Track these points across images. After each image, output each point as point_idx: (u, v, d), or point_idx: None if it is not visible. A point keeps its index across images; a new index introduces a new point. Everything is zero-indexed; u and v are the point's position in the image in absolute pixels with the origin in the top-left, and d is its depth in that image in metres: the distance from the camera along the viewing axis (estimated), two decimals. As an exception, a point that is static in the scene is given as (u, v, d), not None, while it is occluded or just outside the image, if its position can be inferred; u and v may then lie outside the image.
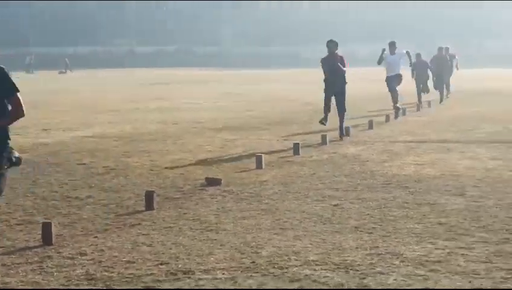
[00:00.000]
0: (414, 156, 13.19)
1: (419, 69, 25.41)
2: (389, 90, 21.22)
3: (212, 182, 10.63)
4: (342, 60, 16.36)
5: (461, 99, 27.65)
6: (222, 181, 10.65)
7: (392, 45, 21.35)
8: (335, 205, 9.03)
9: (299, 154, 13.54)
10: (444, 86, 27.77)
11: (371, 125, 18.02)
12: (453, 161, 12.52)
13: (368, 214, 8.52)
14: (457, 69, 30.19)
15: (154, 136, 17.14)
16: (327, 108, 16.52)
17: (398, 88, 21.03)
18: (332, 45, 16.35)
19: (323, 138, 15.23)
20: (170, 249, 7.11)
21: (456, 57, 30.53)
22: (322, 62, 16.49)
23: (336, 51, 16.34)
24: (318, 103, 25.73)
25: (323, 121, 16.61)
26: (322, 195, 9.69)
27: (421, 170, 11.55)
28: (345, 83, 16.25)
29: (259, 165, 12.11)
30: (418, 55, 25.80)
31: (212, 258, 6.76)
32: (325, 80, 16.40)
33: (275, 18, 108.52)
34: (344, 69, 16.16)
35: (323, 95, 16.59)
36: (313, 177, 11.16)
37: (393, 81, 21.06)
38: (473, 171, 11.42)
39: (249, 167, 12.22)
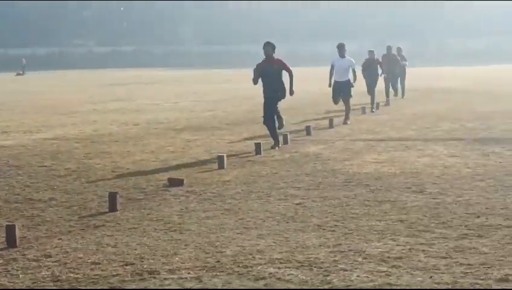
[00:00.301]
0: (374, 154, 13.36)
1: (369, 69, 23.82)
2: (343, 101, 19.21)
3: (175, 182, 10.67)
4: (280, 63, 14.56)
5: (419, 98, 27.98)
6: (185, 182, 10.70)
7: (341, 47, 19.17)
8: (297, 204, 9.13)
9: (261, 154, 13.64)
10: (399, 86, 28.02)
11: (331, 124, 18.18)
12: (412, 158, 12.70)
13: (330, 212, 8.63)
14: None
15: (115, 137, 17.10)
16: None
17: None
18: (268, 48, 14.59)
19: (285, 137, 15.33)
20: (135, 249, 7.15)
21: (406, 63, 29.19)
22: (256, 68, 14.68)
23: (274, 54, 14.60)
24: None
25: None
26: (285, 194, 9.79)
27: (381, 168, 11.71)
28: (283, 89, 14.57)
29: (221, 165, 12.18)
30: (371, 53, 24.37)
31: (177, 258, 6.81)
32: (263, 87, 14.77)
33: (237, 17, 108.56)
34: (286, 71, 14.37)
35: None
36: (275, 176, 11.26)
37: (341, 90, 18.97)
38: (431, 168, 11.61)
39: (211, 167, 12.29)
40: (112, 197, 8.97)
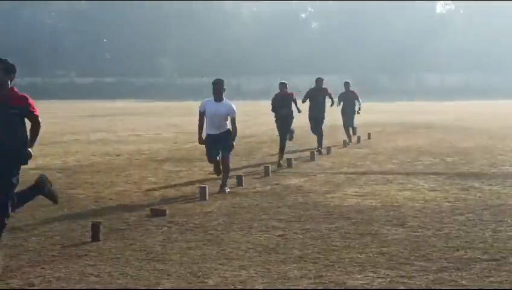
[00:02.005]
0: (355, 187, 13.47)
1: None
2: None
3: (157, 213, 10.72)
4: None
5: (399, 132, 28.21)
6: (167, 212, 10.75)
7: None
8: (279, 236, 9.21)
9: (242, 185, 13.72)
10: (351, 128, 23.72)
11: (312, 157, 18.31)
12: (393, 192, 12.83)
13: (312, 244, 8.71)
14: (359, 112, 23.71)
15: (97, 167, 17.12)
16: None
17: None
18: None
19: (266, 169, 15.43)
20: (118, 279, 7.19)
21: (360, 100, 23.90)
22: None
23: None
24: (259, 135, 26.02)
25: None
26: (266, 226, 9.86)
27: (363, 201, 11.82)
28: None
29: (203, 196, 12.24)
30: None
31: (159, 288, 6.85)
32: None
33: (215, 50, 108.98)
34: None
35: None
36: (256, 208, 11.33)
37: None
38: (412, 202, 11.73)
39: (193, 198, 12.34)
40: (95, 227, 9.01)
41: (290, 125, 17.93)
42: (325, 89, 20.63)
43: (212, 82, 13.35)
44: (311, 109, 20.27)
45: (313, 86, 20.84)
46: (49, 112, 51.92)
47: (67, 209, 11.33)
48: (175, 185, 14.09)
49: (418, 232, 9.35)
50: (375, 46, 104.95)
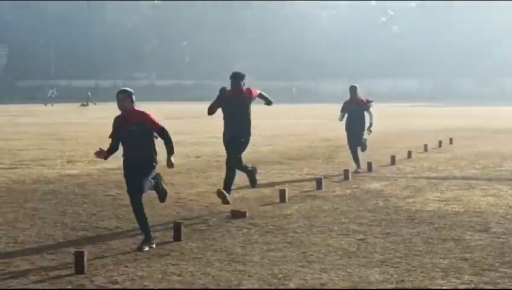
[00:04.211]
0: (437, 192, 13.28)
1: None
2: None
3: (237, 214, 10.79)
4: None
5: (481, 137, 27.70)
6: (247, 214, 10.80)
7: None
8: (360, 239, 9.14)
9: (321, 188, 13.67)
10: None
11: (393, 161, 18.12)
12: (476, 197, 12.60)
13: (393, 248, 8.62)
14: (370, 131, 17.23)
15: (177, 169, 17.25)
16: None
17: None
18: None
19: (346, 173, 15.35)
20: (199, 279, 7.25)
21: (371, 112, 17.13)
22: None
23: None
24: (337, 139, 25.91)
25: None
26: (347, 229, 9.81)
27: (445, 206, 11.64)
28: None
29: (282, 199, 12.25)
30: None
31: (240, 288, 6.88)
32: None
33: (292, 53, 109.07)
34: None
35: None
36: (336, 211, 11.28)
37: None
38: (496, 208, 11.50)
39: (273, 200, 12.36)
40: (177, 227, 9.11)
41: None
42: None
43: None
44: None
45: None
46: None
47: (149, 209, 11.44)
48: (254, 188, 14.10)
49: (502, 238, 9.16)
50: (454, 50, 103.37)
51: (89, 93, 78.76)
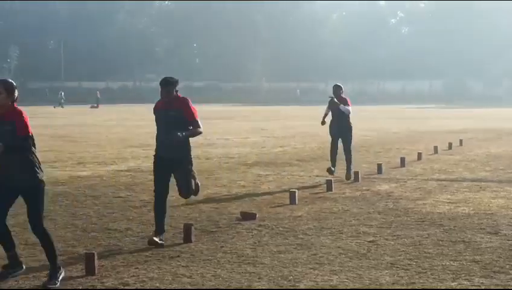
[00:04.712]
0: (447, 194, 13.26)
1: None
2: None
3: (247, 216, 10.79)
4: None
5: (492, 139, 27.63)
6: (257, 216, 10.81)
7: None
8: (370, 241, 9.14)
9: (332, 190, 13.67)
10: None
11: (403, 163, 18.10)
12: (487, 199, 12.57)
13: (403, 251, 8.61)
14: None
15: (187, 170, 17.31)
16: None
17: None
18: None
19: (356, 174, 15.34)
20: (210, 281, 7.26)
21: (349, 109, 15.73)
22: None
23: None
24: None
25: None
26: (357, 231, 9.80)
27: (455, 208, 11.62)
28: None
29: (293, 200, 12.25)
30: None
31: (251, 289, 6.90)
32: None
33: (303, 55, 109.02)
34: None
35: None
36: (346, 213, 11.28)
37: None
38: (506, 210, 11.48)
39: (283, 202, 12.37)
40: (187, 228, 9.13)
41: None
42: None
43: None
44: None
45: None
46: (140, 115, 52.88)
47: (159, 211, 11.50)
48: (264, 189, 14.14)
49: (513, 240, 9.14)
50: (465, 51, 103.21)
51: (98, 94, 78.94)
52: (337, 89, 15.86)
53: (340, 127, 15.72)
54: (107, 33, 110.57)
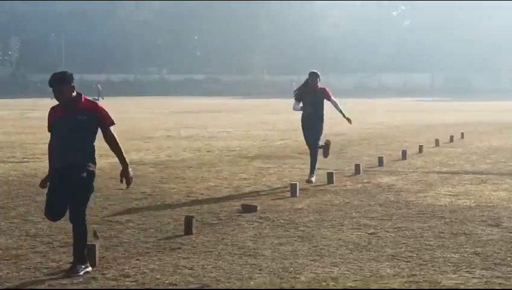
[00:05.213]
0: (448, 186, 13.25)
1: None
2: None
3: (248, 208, 10.79)
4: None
5: (493, 132, 27.62)
6: (258, 208, 10.80)
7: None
8: (371, 234, 9.13)
9: (333, 183, 13.66)
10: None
11: (404, 156, 18.09)
12: (488, 192, 12.56)
13: (404, 243, 8.61)
14: (346, 118, 14.35)
15: (188, 163, 17.35)
16: None
17: None
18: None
19: (357, 167, 15.34)
20: (211, 272, 7.26)
21: (334, 99, 14.04)
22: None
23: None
24: (349, 133, 25.90)
25: None
26: (358, 223, 9.80)
27: (456, 201, 11.62)
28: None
29: (293, 193, 12.24)
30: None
31: (252, 282, 6.89)
32: None
33: (304, 48, 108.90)
34: None
35: None
36: (347, 206, 11.27)
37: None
38: (508, 202, 11.47)
39: (284, 194, 12.37)
40: (188, 220, 9.13)
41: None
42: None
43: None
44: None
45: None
46: (141, 108, 52.91)
47: (160, 203, 11.52)
48: (265, 182, 14.13)
49: (514, 233, 9.14)
50: (466, 44, 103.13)
51: (100, 87, 78.97)
52: (314, 77, 13.91)
53: (315, 116, 13.86)
54: (108, 26, 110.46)
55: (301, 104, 14.07)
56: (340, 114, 14.16)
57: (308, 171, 14.29)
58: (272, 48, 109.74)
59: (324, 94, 13.99)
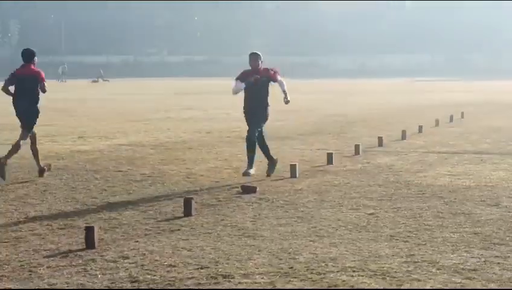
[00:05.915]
0: (448, 166, 13.25)
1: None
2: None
3: (248, 189, 10.79)
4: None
5: (493, 112, 27.60)
6: (257, 189, 10.80)
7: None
8: (370, 214, 9.14)
9: (332, 163, 13.66)
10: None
11: (404, 136, 18.08)
12: (487, 171, 12.57)
13: (403, 223, 8.61)
14: (287, 101, 12.69)
15: (188, 144, 17.34)
16: None
17: None
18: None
19: (357, 147, 15.33)
20: (210, 254, 7.27)
21: (280, 79, 12.61)
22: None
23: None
24: (349, 114, 25.88)
25: None
26: (357, 204, 9.80)
27: (455, 181, 11.62)
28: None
29: (293, 174, 12.24)
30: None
31: (251, 263, 6.90)
32: None
33: (304, 29, 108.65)
34: None
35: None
36: (347, 186, 11.27)
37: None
38: (507, 182, 11.47)
39: (284, 175, 12.36)
40: (187, 202, 9.13)
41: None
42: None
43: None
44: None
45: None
46: (141, 90, 52.87)
47: (160, 185, 11.52)
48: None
49: (513, 212, 9.14)
50: (467, 24, 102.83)
51: (101, 71, 78.95)
52: (256, 58, 12.38)
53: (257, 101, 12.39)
54: (108, 7, 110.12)
55: (243, 84, 12.36)
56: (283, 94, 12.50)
57: (307, 150, 14.26)
58: (272, 28, 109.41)
59: (268, 76, 12.33)
